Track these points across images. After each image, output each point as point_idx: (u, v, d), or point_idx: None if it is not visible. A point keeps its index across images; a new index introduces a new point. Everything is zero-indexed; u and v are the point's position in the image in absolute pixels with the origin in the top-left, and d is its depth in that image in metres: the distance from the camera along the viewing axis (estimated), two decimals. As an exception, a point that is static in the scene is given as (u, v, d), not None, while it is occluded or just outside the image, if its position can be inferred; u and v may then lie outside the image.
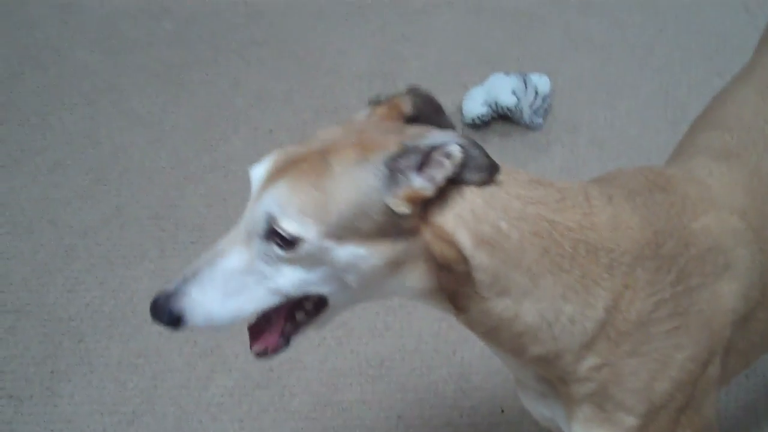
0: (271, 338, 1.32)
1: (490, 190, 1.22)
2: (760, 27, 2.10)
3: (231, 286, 1.22)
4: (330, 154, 1.20)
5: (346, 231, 1.18)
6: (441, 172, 1.18)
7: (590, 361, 1.30)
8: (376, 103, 1.33)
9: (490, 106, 2.90)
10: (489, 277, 1.22)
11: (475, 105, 2.93)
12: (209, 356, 2.42)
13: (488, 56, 3.26)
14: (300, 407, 2.29)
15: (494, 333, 1.30)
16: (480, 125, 2.95)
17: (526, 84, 2.91)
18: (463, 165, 1.18)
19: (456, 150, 1.18)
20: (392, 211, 1.18)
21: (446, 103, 3.03)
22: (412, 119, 1.31)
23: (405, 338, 2.41)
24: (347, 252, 1.19)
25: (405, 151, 1.18)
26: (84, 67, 3.36)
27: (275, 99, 3.17)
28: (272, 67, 3.32)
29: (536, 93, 2.92)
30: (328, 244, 1.19)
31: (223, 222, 2.73)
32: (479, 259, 1.21)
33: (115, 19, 3.58)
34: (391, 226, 1.19)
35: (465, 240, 1.21)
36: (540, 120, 2.94)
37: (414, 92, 1.33)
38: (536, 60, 3.21)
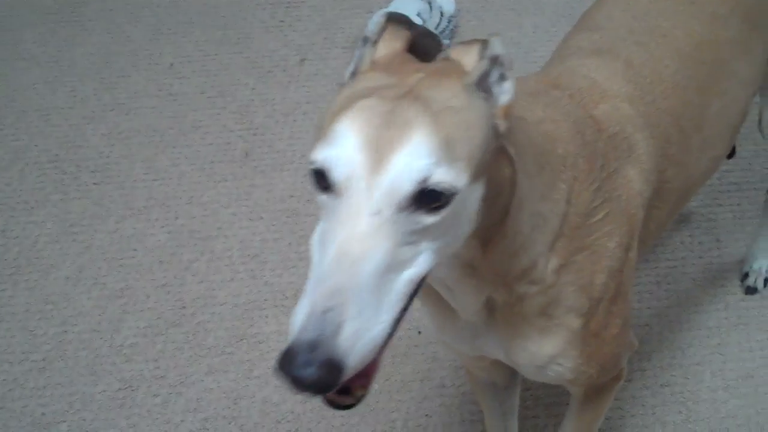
0: (371, 367, 0.99)
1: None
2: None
3: (381, 292, 0.95)
4: (431, 91, 1.02)
5: (481, 167, 1.03)
6: (509, 74, 1.06)
7: (553, 263, 1.26)
8: (372, 44, 1.14)
9: (395, 29, 2.85)
10: (519, 186, 1.14)
11: (380, 29, 2.87)
12: (119, 298, 2.36)
13: (392, -21, 3.19)
14: (215, 343, 2.25)
15: (497, 260, 1.20)
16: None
17: (431, 5, 2.87)
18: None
19: (499, 47, 1.06)
20: (498, 131, 1.06)
21: (351, 27, 3.00)
22: (408, 50, 1.17)
23: (319, 267, 2.37)
24: (477, 194, 1.04)
25: (493, 64, 1.05)
26: (-28, 8, 3.22)
27: (175, 32, 3.07)
28: (170, -1, 3.22)
29: (441, 14, 2.88)
30: (471, 188, 1.01)
31: (127, 161, 2.67)
32: (519, 169, 1.14)
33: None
34: (489, 157, 1.06)
35: (513, 150, 1.11)
36: (447, 41, 2.90)
37: (392, 19, 1.17)
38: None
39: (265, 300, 2.32)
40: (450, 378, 2.13)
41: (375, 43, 1.14)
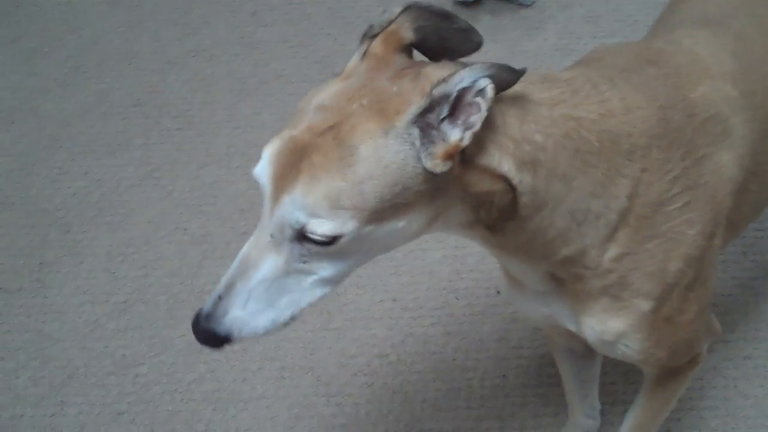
0: None
1: (517, 105, 1.11)
2: None
3: (272, 294, 1.12)
4: (346, 134, 1.05)
5: (387, 211, 1.06)
6: (478, 116, 1.03)
7: (612, 252, 1.25)
8: (370, 37, 1.15)
9: (481, -17, 2.82)
10: (532, 195, 1.14)
11: (466, -15, 2.84)
12: (200, 244, 2.39)
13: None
14: (293, 293, 2.27)
15: (525, 246, 1.23)
16: (471, 3, 2.86)
17: (518, -40, 2.82)
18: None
19: (487, 85, 1.02)
20: (432, 173, 1.06)
21: (435, -20, 2.96)
22: (417, 44, 1.16)
23: (398, 222, 2.37)
24: (389, 228, 1.08)
25: (433, 103, 1.03)
26: (58, -51, 3.24)
27: (257, -18, 3.06)
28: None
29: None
30: (370, 228, 1.06)
31: (208, 108, 2.68)
32: (525, 181, 1.12)
33: None
34: (432, 187, 1.07)
35: (510, 169, 1.11)
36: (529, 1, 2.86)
37: (410, 10, 1.15)
38: None
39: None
40: (528, 340, 2.11)
41: (374, 36, 1.14)
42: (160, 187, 2.52)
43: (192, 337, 2.15)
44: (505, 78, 1.05)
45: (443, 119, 1.04)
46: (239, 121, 2.65)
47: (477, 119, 1.03)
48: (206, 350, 2.12)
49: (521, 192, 1.13)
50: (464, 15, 2.78)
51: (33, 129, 2.70)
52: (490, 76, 1.03)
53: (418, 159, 1.05)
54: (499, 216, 1.16)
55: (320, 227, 1.05)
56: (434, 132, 1.04)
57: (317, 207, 1.04)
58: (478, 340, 2.13)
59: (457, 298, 2.21)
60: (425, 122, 1.04)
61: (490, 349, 2.12)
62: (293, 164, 1.06)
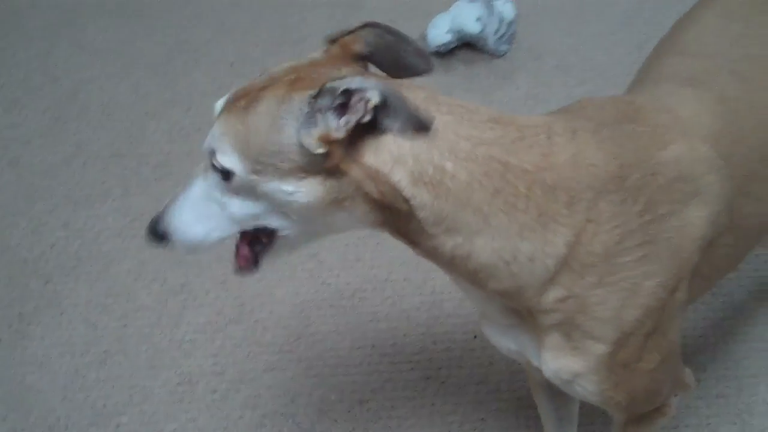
0: (241, 261, 1.39)
1: (437, 132, 1.19)
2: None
3: (199, 211, 1.30)
4: (264, 91, 1.22)
5: (267, 167, 1.21)
6: (354, 116, 1.16)
7: (554, 293, 1.29)
8: (332, 40, 1.31)
9: (454, 33, 2.87)
10: (433, 215, 1.21)
11: (439, 33, 2.89)
12: (179, 294, 2.41)
13: (451, -17, 3.21)
14: (273, 340, 2.29)
15: (451, 266, 1.29)
16: (444, 53, 2.92)
17: (490, 11, 2.88)
18: (384, 113, 1.16)
19: (374, 96, 1.15)
20: (309, 150, 1.18)
21: (410, 31, 2.99)
22: (369, 57, 1.30)
23: (376, 269, 2.40)
24: (273, 187, 1.22)
25: (322, 92, 1.17)
26: (38, 1, 3.28)
27: (236, 31, 3.12)
28: (230, 0, 3.26)
29: (501, 19, 2.89)
30: (253, 178, 1.22)
31: (188, 157, 2.71)
32: (420, 198, 1.20)
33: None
34: (313, 165, 1.20)
35: (403, 180, 1.19)
36: (505, 47, 2.92)
37: (369, 28, 1.30)
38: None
39: (323, 299, 2.35)
40: (506, 383, 2.14)
41: (333, 42, 1.31)
42: (140, 238, 2.51)
43: (172, 385, 2.21)
44: (398, 105, 1.16)
45: (329, 110, 1.17)
46: (218, 171, 2.68)
47: (352, 118, 1.16)
48: (189, 391, 2.16)
49: (416, 206, 1.21)
50: (439, 64, 2.84)
51: (13, 180, 2.72)
52: (381, 92, 1.15)
53: (298, 132, 1.18)
54: (407, 225, 1.24)
55: (221, 158, 1.22)
56: (318, 116, 1.18)
57: (220, 140, 1.23)
58: (456, 384, 2.16)
59: (435, 343, 2.24)
60: (316, 106, 1.17)
61: (469, 393, 2.14)
62: (226, 105, 1.26)
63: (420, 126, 1.17)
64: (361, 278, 2.39)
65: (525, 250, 1.25)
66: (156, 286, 2.42)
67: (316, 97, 1.17)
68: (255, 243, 1.35)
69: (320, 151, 1.18)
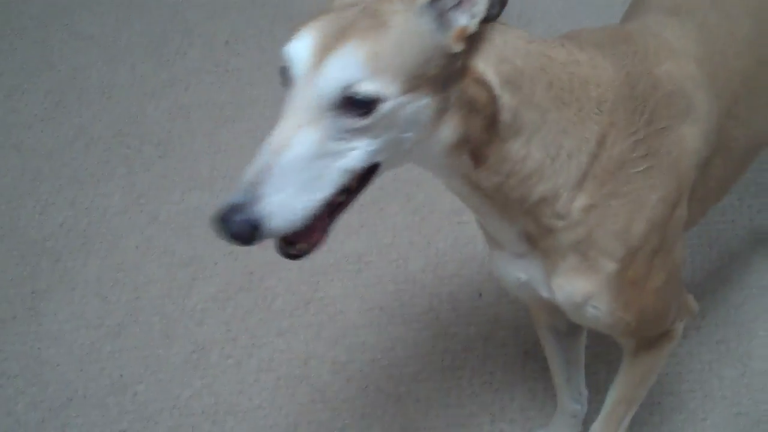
0: (315, 233, 1.22)
1: (501, 31, 1.24)
2: None
3: (305, 176, 1.13)
4: (378, 10, 1.16)
5: (417, 80, 1.16)
6: (481, 3, 1.17)
7: (581, 201, 1.35)
8: None
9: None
10: (510, 116, 1.25)
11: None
12: (188, 265, 2.46)
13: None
14: (283, 306, 2.34)
15: (505, 183, 1.31)
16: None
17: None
18: None
19: None
20: (448, 53, 1.18)
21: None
22: None
23: (380, 233, 2.46)
24: (417, 104, 1.17)
25: None
26: (30, -10, 3.32)
27: (229, 9, 3.16)
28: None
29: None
30: (404, 98, 1.15)
31: (188, 135, 2.76)
32: (504, 97, 1.24)
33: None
34: (448, 70, 1.19)
35: (494, 80, 1.23)
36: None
37: None
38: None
39: (330, 264, 2.40)
40: (512, 338, 2.20)
41: None
42: (146, 213, 2.59)
43: (186, 353, 2.25)
44: None
45: (451, 8, 1.17)
46: (219, 147, 2.73)
47: (481, 6, 1.17)
48: (203, 358, 2.21)
49: (501, 107, 1.24)
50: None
51: (17, 164, 2.77)
52: None
53: (438, 35, 1.16)
54: (482, 135, 1.25)
55: (365, 86, 1.12)
56: (448, 14, 1.17)
57: (364, 67, 1.12)
58: (464, 341, 2.22)
59: (441, 303, 2.30)
60: (438, 8, 1.16)
61: (477, 349, 2.20)
62: (334, 36, 1.13)
63: (504, 4, 1.21)
64: (365, 244, 2.44)
65: (566, 145, 1.31)
66: (165, 259, 2.47)
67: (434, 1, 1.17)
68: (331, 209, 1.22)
69: (459, 48, 1.17)
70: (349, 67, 1.12)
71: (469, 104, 1.23)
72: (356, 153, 1.16)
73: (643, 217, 1.40)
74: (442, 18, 1.17)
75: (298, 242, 1.21)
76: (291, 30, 1.19)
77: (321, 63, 1.12)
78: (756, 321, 2.20)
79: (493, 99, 1.24)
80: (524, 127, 1.28)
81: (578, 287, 1.44)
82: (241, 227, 1.11)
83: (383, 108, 1.13)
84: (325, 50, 1.13)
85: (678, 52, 1.47)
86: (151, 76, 2.97)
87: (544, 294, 1.50)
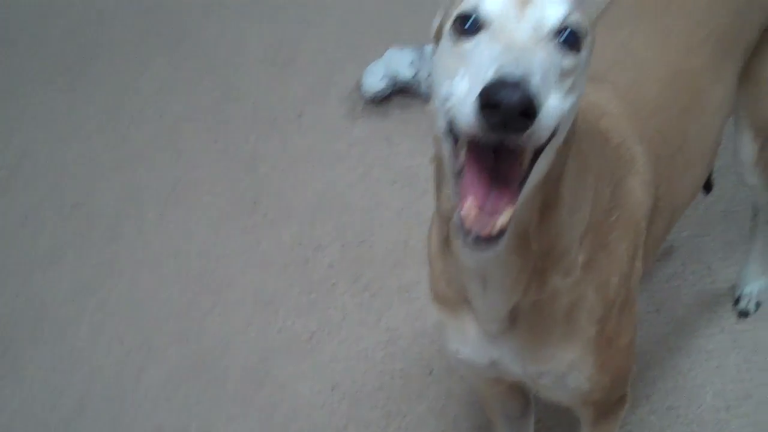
0: (512, 188, 1.08)
1: None
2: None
3: (550, 82, 1.05)
4: None
5: (591, 40, 1.16)
6: None
7: (582, 256, 1.34)
8: None
9: (389, 79, 2.96)
10: (575, 150, 1.24)
11: (374, 80, 2.98)
12: (139, 351, 2.45)
13: (385, 31, 3.30)
14: (235, 390, 2.33)
15: (547, 231, 1.27)
16: (381, 101, 3.01)
17: (422, 55, 2.98)
18: None
19: None
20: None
21: (346, 80, 3.11)
22: None
23: (330, 312, 2.46)
24: (587, 68, 1.16)
25: None
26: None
27: (177, 90, 3.18)
28: (170, 58, 3.32)
29: (433, 62, 2.99)
30: (588, 52, 1.14)
31: (139, 216, 2.76)
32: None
33: (7, 21, 3.55)
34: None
35: None
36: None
37: None
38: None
39: (281, 345, 2.40)
40: (463, 414, 2.21)
41: None
42: (96, 299, 2.58)
43: None
44: None
45: None
46: (168, 227, 2.73)
47: None
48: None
49: (576, 138, 1.23)
50: (375, 110, 2.91)
51: (-36, 250, 2.75)
52: None
53: None
54: (560, 172, 1.22)
55: (581, 18, 1.10)
56: None
57: (572, 2, 1.10)
58: (416, 419, 2.22)
59: (393, 379, 2.30)
60: None
61: (430, 426, 2.20)
62: None
63: None
64: (316, 323, 2.45)
65: (580, 196, 1.31)
66: (115, 346, 2.46)
67: None
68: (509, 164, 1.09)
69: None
70: (564, 2, 1.10)
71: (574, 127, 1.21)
72: (555, 102, 1.06)
73: (616, 269, 1.41)
74: None
75: (499, 206, 1.06)
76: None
77: (529, 2, 1.09)
78: (704, 386, 2.22)
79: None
80: (571, 170, 1.26)
81: (566, 354, 1.43)
82: (527, 95, 0.97)
83: (584, 52, 1.11)
84: None
85: (607, 109, 1.51)
86: (101, 156, 2.98)
87: (516, 371, 1.48)
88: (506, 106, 0.95)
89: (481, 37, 1.08)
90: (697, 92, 1.67)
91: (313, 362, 2.36)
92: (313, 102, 3.09)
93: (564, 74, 1.08)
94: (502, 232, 1.05)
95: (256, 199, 2.79)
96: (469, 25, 1.10)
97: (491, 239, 1.05)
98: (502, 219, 1.05)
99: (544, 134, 1.02)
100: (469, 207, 1.05)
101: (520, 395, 1.84)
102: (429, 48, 2.98)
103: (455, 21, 1.11)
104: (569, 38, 1.09)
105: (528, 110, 0.96)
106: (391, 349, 2.36)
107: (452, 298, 1.45)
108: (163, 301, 2.55)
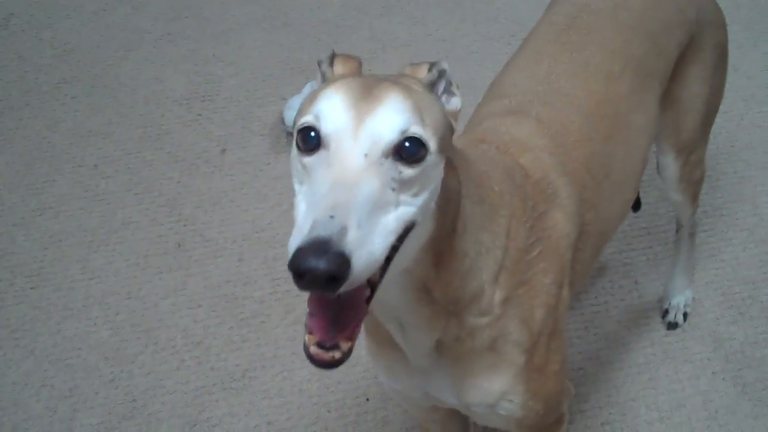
0: (352, 323, 1.10)
1: None
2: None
3: (374, 217, 1.06)
4: (398, 79, 1.20)
5: (442, 143, 1.16)
6: (457, 97, 1.26)
7: (498, 295, 1.37)
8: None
9: (311, 112, 2.97)
10: (464, 206, 1.28)
11: (294, 114, 2.98)
12: (69, 397, 2.39)
13: (302, 66, 3.33)
14: (170, 430, 2.29)
15: (450, 282, 1.30)
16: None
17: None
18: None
19: (445, 66, 1.26)
20: (451, 125, 1.23)
21: (267, 115, 3.12)
22: None
23: (262, 347, 2.45)
24: (440, 170, 1.17)
25: (438, 77, 1.25)
26: None
27: (95, 134, 3.14)
28: (87, 103, 3.29)
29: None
30: (437, 157, 1.14)
31: (61, 263, 2.71)
32: (464, 185, 1.28)
33: None
34: (450, 148, 1.23)
35: (459, 168, 1.28)
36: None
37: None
38: (348, 64, 3.31)
39: (214, 384, 2.37)
40: (402, 440, 2.21)
41: (331, 62, 1.29)
42: (21, 347, 2.52)
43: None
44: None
45: (443, 92, 1.25)
46: (94, 272, 2.69)
47: (458, 100, 1.26)
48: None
49: (463, 196, 1.27)
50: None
51: None
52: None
53: (443, 107, 1.23)
54: (446, 229, 1.25)
55: (421, 131, 1.11)
56: (444, 95, 1.26)
57: (413, 113, 1.11)
58: (354, 448, 2.21)
59: (329, 411, 2.29)
60: (440, 86, 1.26)
61: (368, 455, 2.20)
62: (370, 89, 1.13)
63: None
64: (249, 359, 2.43)
65: (486, 241, 1.34)
66: (44, 393, 2.40)
67: (435, 81, 1.24)
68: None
69: (456, 128, 1.24)
70: (404, 113, 1.11)
71: (448, 194, 1.23)
72: (404, 209, 1.11)
73: (541, 302, 1.44)
74: (442, 93, 1.25)
75: (340, 339, 1.08)
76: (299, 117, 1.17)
77: (368, 112, 1.10)
78: (637, 399, 2.26)
79: (458, 187, 1.26)
80: (467, 221, 1.29)
81: (494, 385, 1.45)
82: (335, 263, 0.98)
83: (428, 159, 1.12)
84: (366, 101, 1.11)
85: (529, 145, 1.55)
86: (19, 206, 2.92)
87: (451, 401, 1.51)
88: (311, 277, 0.97)
89: (321, 157, 1.11)
90: (620, 119, 1.71)
91: (248, 399, 2.34)
92: (235, 138, 3.08)
93: (407, 182, 1.11)
94: (342, 359, 1.09)
95: (180, 240, 2.76)
96: (311, 138, 1.12)
97: (333, 363, 1.09)
98: (342, 350, 1.08)
99: (366, 274, 1.03)
100: (311, 339, 1.09)
101: (458, 419, 1.85)
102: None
103: (299, 131, 1.14)
104: (408, 151, 1.10)
105: (336, 275, 0.98)
106: (326, 381, 2.35)
107: (382, 335, 1.47)
108: (91, 345, 2.50)
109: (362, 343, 2.36)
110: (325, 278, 0.97)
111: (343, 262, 0.98)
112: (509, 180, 1.43)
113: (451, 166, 1.23)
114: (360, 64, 1.29)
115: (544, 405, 1.53)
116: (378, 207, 1.06)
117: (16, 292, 2.66)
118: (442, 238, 1.24)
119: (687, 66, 1.87)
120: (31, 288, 2.67)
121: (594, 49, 1.72)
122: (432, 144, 1.12)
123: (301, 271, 0.98)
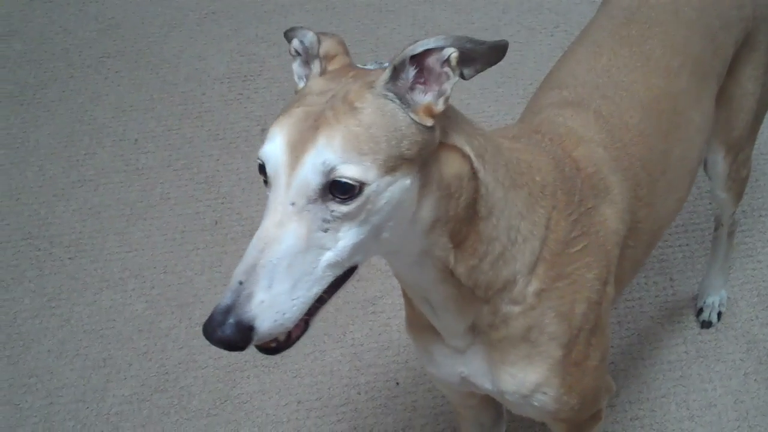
0: (295, 329, 1.15)
1: (456, 112, 1.26)
2: (596, 2, 2.24)
3: (295, 271, 1.11)
4: (346, 96, 1.16)
5: (396, 160, 1.15)
6: (448, 83, 1.17)
7: (534, 286, 1.38)
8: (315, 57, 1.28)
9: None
10: (486, 190, 1.27)
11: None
12: (102, 367, 2.42)
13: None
14: (200, 406, 2.32)
15: (478, 266, 1.31)
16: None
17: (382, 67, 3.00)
18: (464, 63, 1.17)
19: (452, 53, 1.16)
20: (422, 129, 1.17)
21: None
22: None
23: (295, 327, 2.46)
24: (400, 185, 1.15)
25: (395, 71, 1.16)
26: (-67, 94, 3.29)
27: (137, 109, 3.17)
28: (130, 78, 3.32)
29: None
30: (385, 180, 1.14)
31: (100, 235, 2.74)
32: (481, 171, 1.26)
33: (-39, 44, 3.52)
34: (425, 148, 1.18)
35: (472, 152, 1.25)
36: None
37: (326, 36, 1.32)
38: (390, 49, 3.32)
39: (246, 361, 2.39)
40: (430, 425, 2.21)
41: (316, 57, 1.27)
42: (57, 316, 2.55)
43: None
44: (469, 48, 1.17)
45: (411, 83, 1.17)
46: (131, 245, 2.72)
47: (448, 86, 1.17)
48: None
49: (481, 180, 1.26)
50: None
51: None
52: (453, 45, 1.16)
53: (405, 111, 1.17)
54: (463, 212, 1.25)
55: (348, 170, 1.11)
56: (408, 96, 1.17)
57: (344, 151, 1.11)
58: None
59: (359, 393, 2.30)
60: (397, 88, 1.17)
61: (396, 439, 2.21)
62: (308, 128, 1.13)
63: (500, 50, 1.19)
64: (281, 337, 2.44)
65: (523, 229, 1.34)
66: (78, 362, 2.43)
67: (392, 79, 1.16)
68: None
69: (430, 123, 1.17)
70: (328, 155, 1.11)
71: (450, 181, 1.23)
72: (342, 243, 1.14)
73: (583, 297, 1.44)
74: (404, 98, 1.17)
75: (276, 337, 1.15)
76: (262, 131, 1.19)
77: (299, 157, 1.12)
78: (668, 396, 2.25)
79: (473, 172, 1.26)
80: (496, 206, 1.30)
81: (529, 376, 1.45)
82: (232, 332, 1.07)
83: (367, 190, 1.12)
84: (300, 144, 1.12)
85: (585, 138, 1.54)
86: (60, 177, 2.95)
87: (486, 386, 1.51)
88: (216, 343, 1.08)
89: (269, 193, 1.16)
90: (679, 116, 1.70)
91: (279, 377, 2.35)
92: (275, 117, 3.08)
93: (347, 216, 1.13)
94: (279, 349, 1.16)
95: (217, 217, 2.79)
96: (265, 174, 1.16)
97: (270, 351, 1.16)
98: (278, 340, 1.15)
99: (277, 333, 1.11)
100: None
101: (493, 406, 1.86)
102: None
103: (259, 165, 1.17)
104: (341, 189, 1.12)
105: (232, 344, 1.08)
106: (357, 363, 2.36)
107: (421, 320, 1.49)
108: (126, 318, 2.53)
109: (395, 327, 2.40)
110: (225, 345, 1.08)
111: (242, 329, 1.07)
112: (557, 172, 1.42)
113: (458, 153, 1.23)
114: (342, 42, 1.31)
115: (579, 400, 1.53)
116: (304, 255, 1.11)
117: (54, 261, 2.69)
118: (459, 221, 1.26)
119: (741, 63, 1.86)
120: (69, 258, 2.70)
121: (654, 43, 1.71)
122: (372, 172, 1.12)
123: (208, 338, 1.09)
